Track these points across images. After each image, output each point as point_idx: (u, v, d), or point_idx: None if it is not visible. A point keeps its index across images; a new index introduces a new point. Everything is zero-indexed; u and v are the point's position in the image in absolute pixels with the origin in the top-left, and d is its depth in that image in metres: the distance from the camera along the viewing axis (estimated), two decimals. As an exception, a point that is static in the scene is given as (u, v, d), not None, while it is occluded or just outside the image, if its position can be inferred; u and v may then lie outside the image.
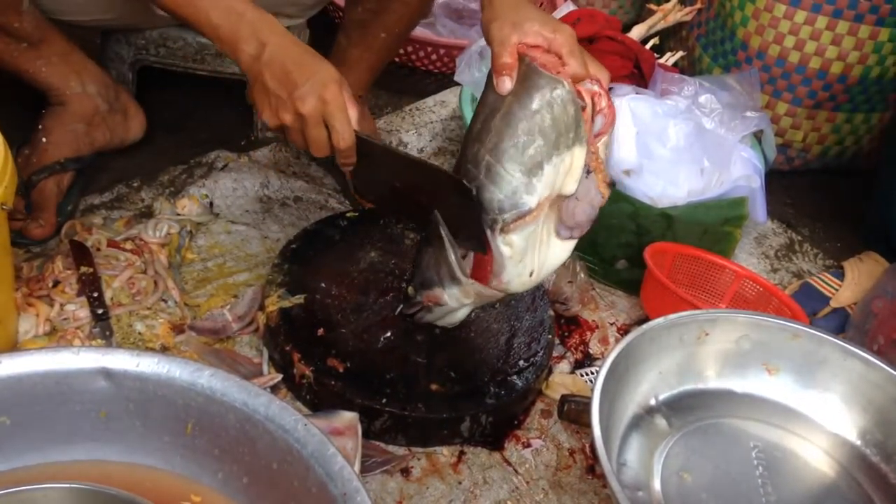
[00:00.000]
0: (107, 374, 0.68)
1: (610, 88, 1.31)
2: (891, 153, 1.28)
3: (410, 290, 0.95)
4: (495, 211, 0.83)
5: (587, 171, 0.84)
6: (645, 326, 0.87)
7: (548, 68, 0.80)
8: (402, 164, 0.92)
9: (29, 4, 1.04)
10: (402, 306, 0.99)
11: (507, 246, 0.84)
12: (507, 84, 0.82)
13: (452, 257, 0.87)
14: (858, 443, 0.91)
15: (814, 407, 0.93)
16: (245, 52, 0.85)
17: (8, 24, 1.03)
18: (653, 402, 0.90)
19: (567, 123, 0.80)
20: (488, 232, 0.84)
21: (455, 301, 0.91)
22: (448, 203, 0.87)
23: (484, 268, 0.87)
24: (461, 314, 0.95)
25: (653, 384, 0.90)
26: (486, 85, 0.85)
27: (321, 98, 0.83)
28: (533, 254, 0.86)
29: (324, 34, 1.38)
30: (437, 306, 0.93)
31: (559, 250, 0.88)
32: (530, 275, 0.87)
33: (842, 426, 0.92)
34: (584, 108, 0.82)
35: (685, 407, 0.91)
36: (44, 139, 1.14)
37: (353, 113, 0.86)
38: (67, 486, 0.61)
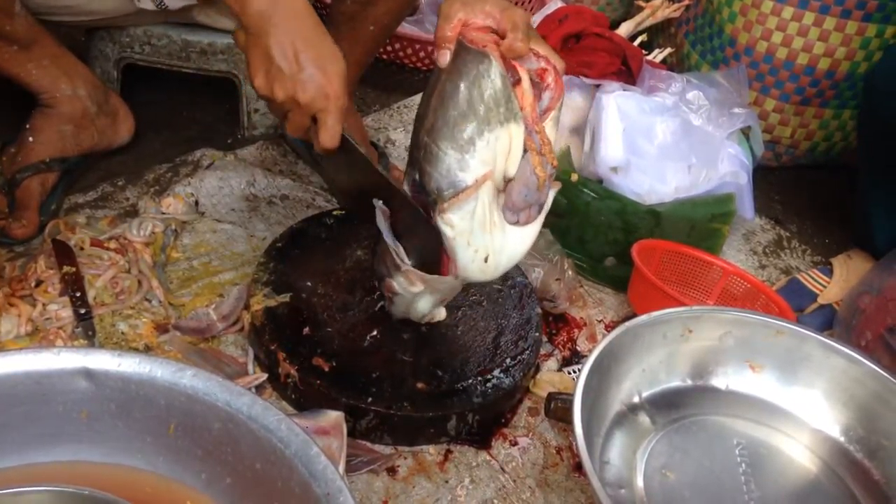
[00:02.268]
0: (88, 374, 0.67)
1: (597, 85, 1.32)
2: (863, 154, 1.28)
3: (377, 275, 0.96)
4: (434, 192, 0.82)
5: (524, 151, 0.81)
6: (628, 324, 0.87)
7: (475, 43, 0.78)
8: (374, 178, 0.91)
9: (21, 7, 1.03)
10: (370, 297, 1.00)
11: (448, 226, 0.83)
12: (444, 57, 0.80)
13: (390, 242, 0.87)
14: (841, 439, 0.91)
15: (797, 403, 0.94)
16: (253, 6, 0.80)
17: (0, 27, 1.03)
18: (636, 399, 0.91)
19: (495, 98, 0.78)
20: (433, 215, 0.83)
21: (403, 289, 0.91)
22: (409, 226, 0.88)
23: (444, 255, 0.87)
24: (423, 305, 0.95)
25: (636, 381, 0.90)
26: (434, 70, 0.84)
27: (323, 92, 0.81)
28: (483, 237, 0.84)
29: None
30: (395, 296, 0.93)
31: (516, 237, 0.86)
32: (485, 260, 0.85)
33: (825, 422, 0.93)
34: (517, 83, 0.80)
35: (669, 404, 0.92)
36: (31, 138, 1.14)
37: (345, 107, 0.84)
38: (46, 488, 0.60)
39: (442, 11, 0.81)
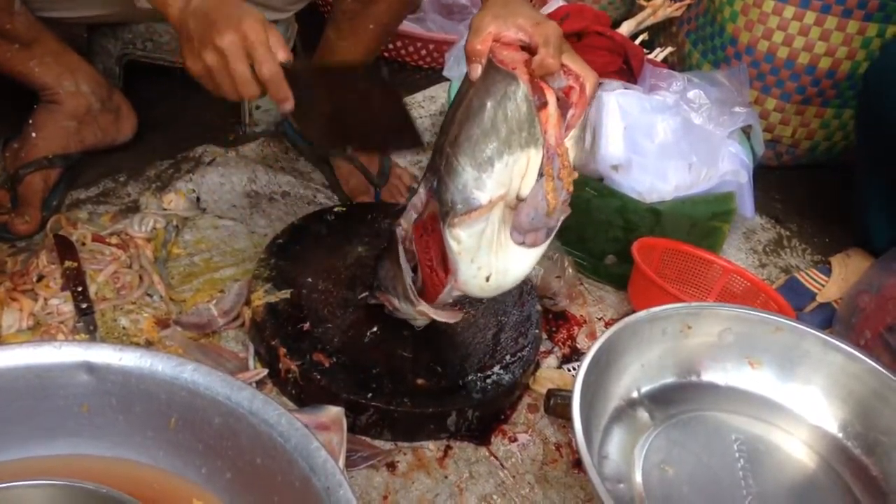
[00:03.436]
0: (89, 368, 0.67)
1: (599, 84, 1.32)
2: (860, 152, 1.28)
3: (376, 282, 0.96)
4: (448, 203, 0.81)
5: (540, 175, 0.81)
6: (627, 320, 0.87)
7: (505, 63, 0.78)
8: (333, 76, 0.87)
9: (21, 5, 1.04)
10: (365, 294, 1.00)
11: (455, 241, 0.82)
12: (475, 70, 0.80)
13: (408, 281, 0.88)
14: (839, 435, 0.91)
15: (795, 400, 0.94)
16: (173, 6, 0.82)
17: (0, 25, 1.03)
18: (635, 394, 0.91)
19: (519, 121, 0.78)
20: (441, 224, 0.83)
21: (407, 315, 0.93)
22: (382, 108, 0.84)
23: (444, 265, 0.87)
24: (422, 321, 0.97)
25: (635, 377, 0.90)
26: (464, 78, 0.84)
27: (239, 32, 0.80)
28: (488, 256, 0.83)
29: (312, 29, 1.38)
30: (394, 309, 0.95)
31: (519, 259, 0.85)
32: (487, 279, 0.84)
33: (823, 419, 0.93)
34: (543, 106, 0.80)
35: (667, 400, 0.92)
36: (33, 134, 1.14)
37: (278, 47, 0.81)
38: (47, 482, 0.60)
39: (473, 24, 0.81)
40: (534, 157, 0.80)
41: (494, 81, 0.78)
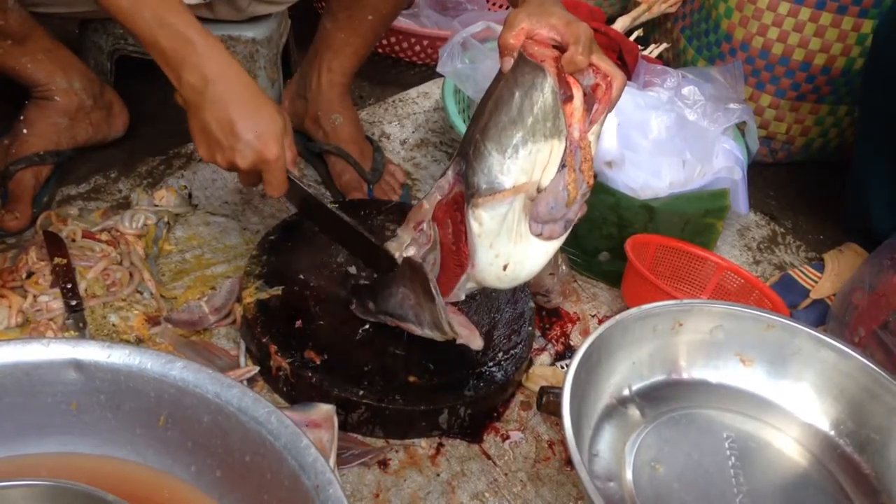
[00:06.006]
0: (77, 365, 0.67)
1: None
2: (862, 131, 1.27)
3: (371, 305, 0.97)
4: (473, 186, 0.85)
5: (562, 166, 0.84)
6: (618, 317, 0.87)
7: (535, 57, 0.81)
8: (332, 217, 0.97)
9: (14, 2, 1.03)
10: (353, 305, 1.00)
11: (477, 222, 0.84)
12: (507, 63, 0.84)
13: (442, 315, 0.89)
14: (831, 433, 0.91)
15: (787, 397, 0.94)
16: (187, 81, 0.84)
17: None
18: (626, 392, 0.91)
19: (544, 112, 0.81)
20: (465, 206, 0.86)
21: (424, 335, 0.94)
22: (398, 280, 0.93)
23: (461, 252, 0.87)
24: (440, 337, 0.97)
25: (626, 374, 0.90)
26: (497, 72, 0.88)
27: (261, 157, 0.86)
28: (507, 244, 0.85)
29: (305, 24, 1.37)
30: (407, 331, 0.96)
31: (536, 250, 0.87)
32: (504, 268, 0.87)
33: (815, 416, 0.93)
34: (569, 100, 0.82)
35: (658, 397, 0.92)
36: (25, 130, 1.14)
37: (290, 156, 0.89)
38: (33, 483, 0.60)
39: (507, 19, 0.84)
40: (556, 147, 0.83)
41: (523, 73, 0.81)
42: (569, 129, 0.83)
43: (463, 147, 0.89)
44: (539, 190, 0.85)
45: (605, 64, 0.84)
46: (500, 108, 0.83)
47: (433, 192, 0.92)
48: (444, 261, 0.92)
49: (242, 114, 0.84)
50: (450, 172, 0.90)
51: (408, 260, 0.91)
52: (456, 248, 0.90)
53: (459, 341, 0.94)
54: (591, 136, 0.85)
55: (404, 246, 0.93)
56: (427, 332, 0.93)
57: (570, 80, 0.83)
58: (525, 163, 0.82)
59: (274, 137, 0.86)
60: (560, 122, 0.82)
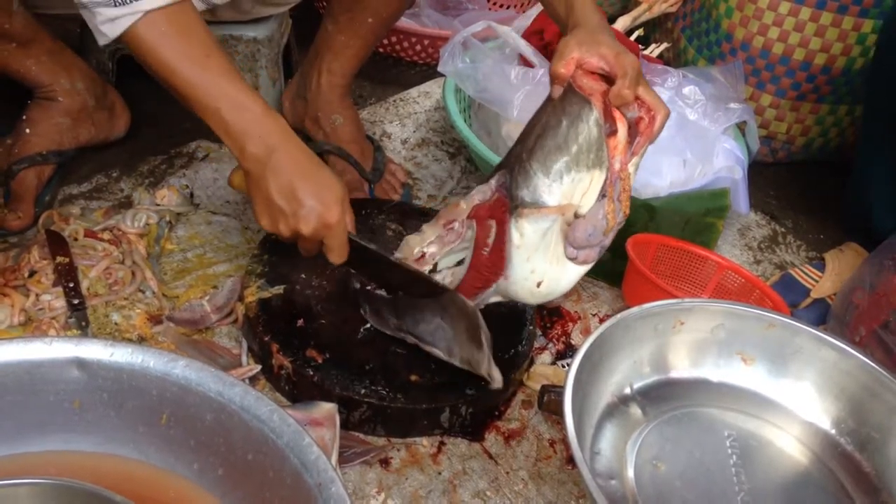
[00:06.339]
0: (80, 364, 0.67)
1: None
2: (867, 131, 1.28)
3: (393, 322, 0.96)
4: (518, 199, 0.88)
5: (602, 195, 0.88)
6: (619, 316, 0.87)
7: (583, 90, 0.84)
8: (397, 270, 0.95)
9: (19, 5, 1.04)
10: (364, 311, 0.99)
11: (518, 232, 0.87)
12: (556, 91, 0.88)
13: (486, 364, 0.88)
14: (832, 431, 0.92)
15: (788, 396, 0.94)
16: (251, 152, 0.84)
17: None
18: (627, 390, 0.91)
19: (588, 143, 0.86)
20: (508, 216, 0.89)
21: (450, 362, 0.93)
22: (436, 310, 0.92)
23: (494, 262, 0.88)
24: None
25: (627, 373, 0.90)
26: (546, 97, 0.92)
27: (324, 222, 0.86)
28: (544, 262, 0.88)
29: (306, 25, 1.37)
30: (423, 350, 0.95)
31: (570, 273, 0.91)
32: (538, 285, 0.89)
33: (815, 415, 0.93)
34: (613, 134, 0.85)
35: (660, 396, 0.92)
36: (27, 130, 1.14)
37: (349, 220, 0.90)
38: (35, 481, 0.60)
39: (559, 48, 0.87)
40: (597, 177, 0.87)
41: (571, 103, 0.86)
42: (611, 160, 0.87)
43: (508, 161, 0.91)
44: (577, 216, 0.89)
45: (650, 97, 0.87)
46: (547, 133, 0.87)
47: (473, 194, 0.94)
48: (472, 262, 0.93)
49: (304, 179, 0.85)
50: (493, 182, 0.92)
51: (462, 302, 0.90)
52: (488, 256, 0.91)
53: (491, 373, 0.91)
54: (630, 168, 0.89)
55: (426, 242, 0.93)
56: (453, 362, 0.92)
57: (616, 113, 0.86)
58: (567, 188, 0.86)
59: (335, 201, 0.86)
60: (603, 154, 0.85)
